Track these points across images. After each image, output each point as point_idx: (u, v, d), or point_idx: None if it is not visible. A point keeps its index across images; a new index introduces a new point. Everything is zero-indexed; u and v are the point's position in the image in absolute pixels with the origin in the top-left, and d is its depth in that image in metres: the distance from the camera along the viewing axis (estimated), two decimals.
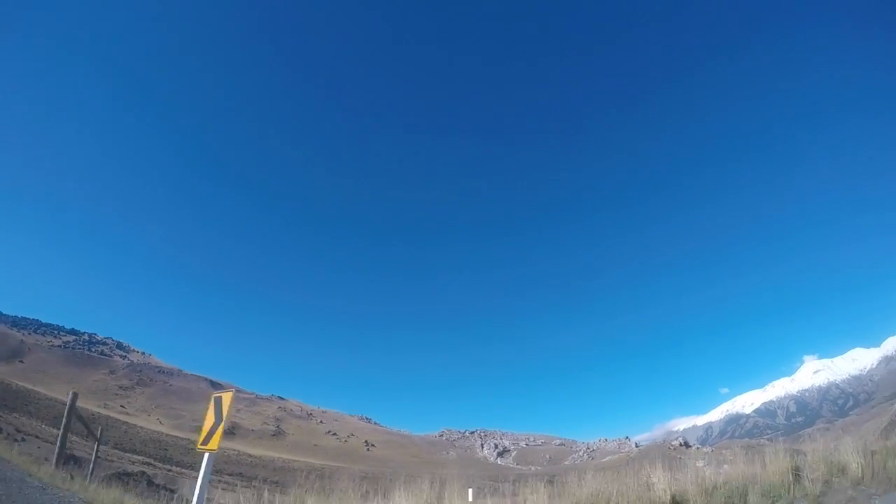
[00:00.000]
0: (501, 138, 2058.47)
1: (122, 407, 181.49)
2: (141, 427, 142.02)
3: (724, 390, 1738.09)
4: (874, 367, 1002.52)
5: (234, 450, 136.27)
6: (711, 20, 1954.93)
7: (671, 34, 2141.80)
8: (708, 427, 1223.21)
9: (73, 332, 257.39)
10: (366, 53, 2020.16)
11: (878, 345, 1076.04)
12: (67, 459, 21.01)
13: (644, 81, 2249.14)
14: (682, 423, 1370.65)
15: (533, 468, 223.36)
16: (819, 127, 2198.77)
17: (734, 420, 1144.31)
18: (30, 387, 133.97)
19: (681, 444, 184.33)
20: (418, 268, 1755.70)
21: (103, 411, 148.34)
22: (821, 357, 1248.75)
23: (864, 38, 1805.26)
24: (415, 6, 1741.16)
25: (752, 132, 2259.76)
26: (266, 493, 13.38)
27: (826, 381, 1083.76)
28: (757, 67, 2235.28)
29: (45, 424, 77.05)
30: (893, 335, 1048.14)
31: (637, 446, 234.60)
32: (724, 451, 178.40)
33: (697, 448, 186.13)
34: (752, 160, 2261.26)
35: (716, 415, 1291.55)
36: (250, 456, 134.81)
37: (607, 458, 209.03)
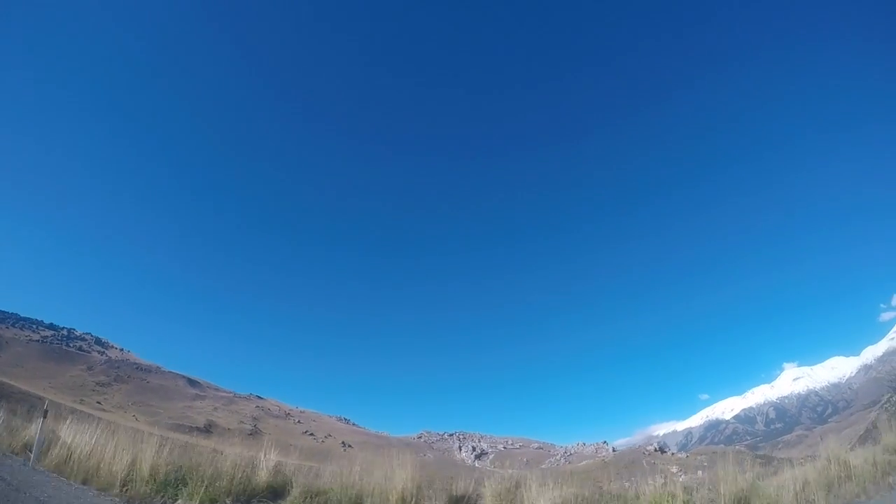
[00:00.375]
0: (484, 148, 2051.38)
1: (99, 403, 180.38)
2: (116, 424, 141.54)
3: (705, 396, 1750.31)
4: (853, 375, 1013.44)
5: (209, 447, 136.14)
6: (711, 24, 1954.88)
7: (673, 38, 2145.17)
8: (688, 433, 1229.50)
9: (51, 326, 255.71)
10: (367, 59, 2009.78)
11: (857, 354, 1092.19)
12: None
13: (644, 87, 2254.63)
14: (662, 429, 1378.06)
15: (511, 471, 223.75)
16: (796, 138, 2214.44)
17: (714, 426, 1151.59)
18: (5, 380, 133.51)
19: (655, 450, 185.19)
20: (400, 273, 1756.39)
21: (79, 407, 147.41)
22: (800, 365, 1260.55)
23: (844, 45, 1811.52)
24: (415, 7, 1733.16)
25: (732, 143, 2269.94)
26: None
27: (805, 388, 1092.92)
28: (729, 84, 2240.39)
29: (19, 419, 76.80)
30: (872, 344, 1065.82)
31: (614, 451, 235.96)
32: (698, 457, 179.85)
33: (672, 454, 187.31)
34: (730, 171, 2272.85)
35: (696, 420, 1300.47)
36: (224, 454, 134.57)
37: (584, 463, 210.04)
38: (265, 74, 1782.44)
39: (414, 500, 14.14)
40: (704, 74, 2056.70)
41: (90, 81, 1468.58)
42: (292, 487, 14.65)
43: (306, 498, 14.12)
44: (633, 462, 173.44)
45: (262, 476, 14.90)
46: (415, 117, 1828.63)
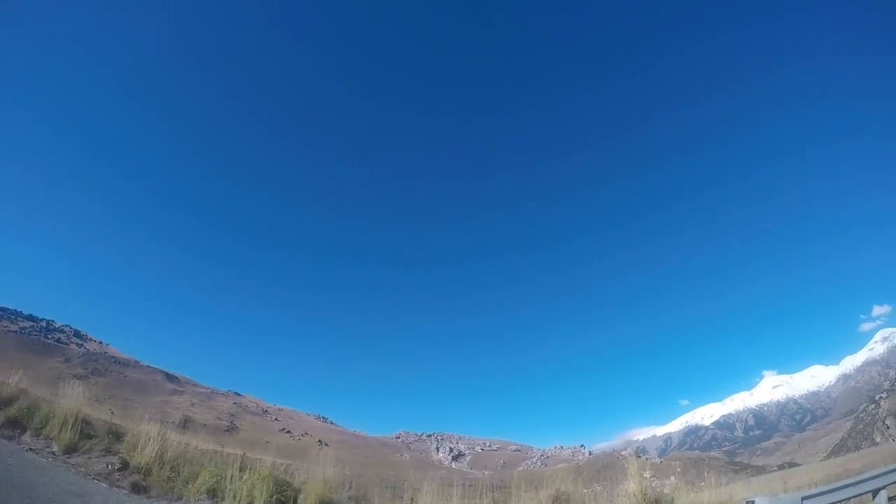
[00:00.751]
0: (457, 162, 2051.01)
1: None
2: (92, 417, 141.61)
3: (685, 402, 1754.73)
4: (832, 384, 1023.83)
5: (184, 443, 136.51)
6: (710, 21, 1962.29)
7: (676, 46, 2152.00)
8: (667, 437, 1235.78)
9: (30, 317, 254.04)
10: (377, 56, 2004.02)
11: (836, 363, 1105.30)
12: None
13: (640, 90, 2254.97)
14: (642, 433, 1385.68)
15: (486, 472, 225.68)
16: (779, 151, 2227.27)
17: (693, 431, 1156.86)
18: None
19: (630, 454, 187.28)
20: (385, 276, 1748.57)
21: (54, 399, 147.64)
22: (780, 373, 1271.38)
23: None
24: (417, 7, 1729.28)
25: (714, 156, 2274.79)
26: None
27: (785, 396, 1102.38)
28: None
29: None
30: (852, 354, 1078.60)
31: (591, 454, 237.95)
32: (672, 463, 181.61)
33: (646, 459, 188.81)
34: (713, 183, 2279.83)
35: (675, 426, 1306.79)
36: (199, 450, 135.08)
37: (560, 466, 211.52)
38: (268, 75, 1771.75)
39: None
40: (688, 92, 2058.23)
41: (72, 75, 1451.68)
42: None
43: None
44: (606, 466, 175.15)
45: None
46: (418, 131, 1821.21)
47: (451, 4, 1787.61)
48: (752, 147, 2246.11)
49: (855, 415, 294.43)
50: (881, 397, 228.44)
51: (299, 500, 14.58)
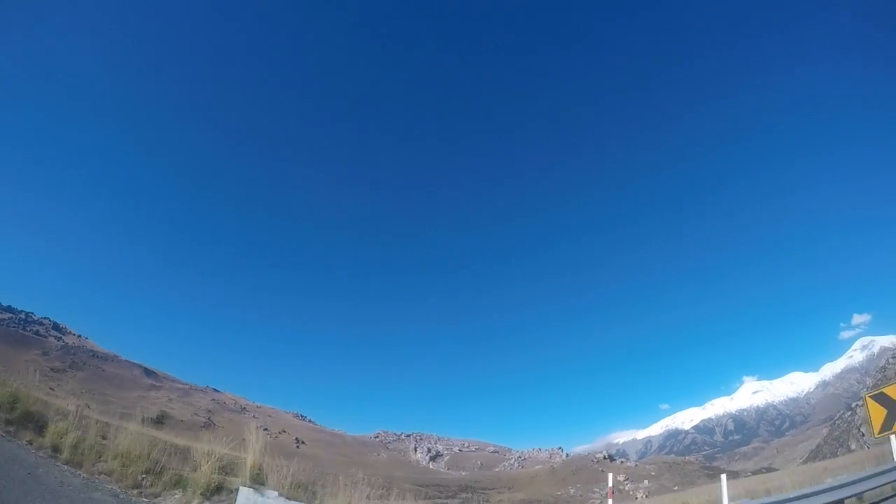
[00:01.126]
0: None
1: (51, 389, 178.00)
2: (67, 411, 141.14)
3: (665, 406, 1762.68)
4: (811, 390, 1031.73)
5: (157, 438, 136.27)
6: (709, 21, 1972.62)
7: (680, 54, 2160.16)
8: (647, 441, 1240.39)
9: (9, 309, 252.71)
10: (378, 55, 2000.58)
11: (816, 370, 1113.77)
12: None
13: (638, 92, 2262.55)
14: (622, 437, 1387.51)
15: (463, 473, 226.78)
16: (761, 160, 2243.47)
17: (673, 435, 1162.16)
18: None
19: (605, 458, 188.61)
20: (364, 269, 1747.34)
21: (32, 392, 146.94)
22: (760, 378, 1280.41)
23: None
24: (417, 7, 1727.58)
25: (699, 161, 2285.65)
26: None
27: (764, 401, 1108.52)
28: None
29: None
30: (831, 361, 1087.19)
31: (567, 456, 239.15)
32: (647, 467, 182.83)
33: (621, 462, 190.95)
34: (693, 189, 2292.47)
35: (656, 429, 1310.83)
36: (174, 445, 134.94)
37: (537, 468, 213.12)
38: (266, 77, 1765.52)
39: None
40: (663, 111, 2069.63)
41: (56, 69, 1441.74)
42: None
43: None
44: (580, 469, 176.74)
45: None
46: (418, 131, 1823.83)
47: (451, 5, 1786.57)
48: (732, 157, 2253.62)
49: (832, 422, 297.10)
50: (857, 405, 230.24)
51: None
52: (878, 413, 16.58)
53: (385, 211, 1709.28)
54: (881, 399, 16.57)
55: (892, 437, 11.64)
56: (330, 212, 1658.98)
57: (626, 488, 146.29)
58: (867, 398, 17.88)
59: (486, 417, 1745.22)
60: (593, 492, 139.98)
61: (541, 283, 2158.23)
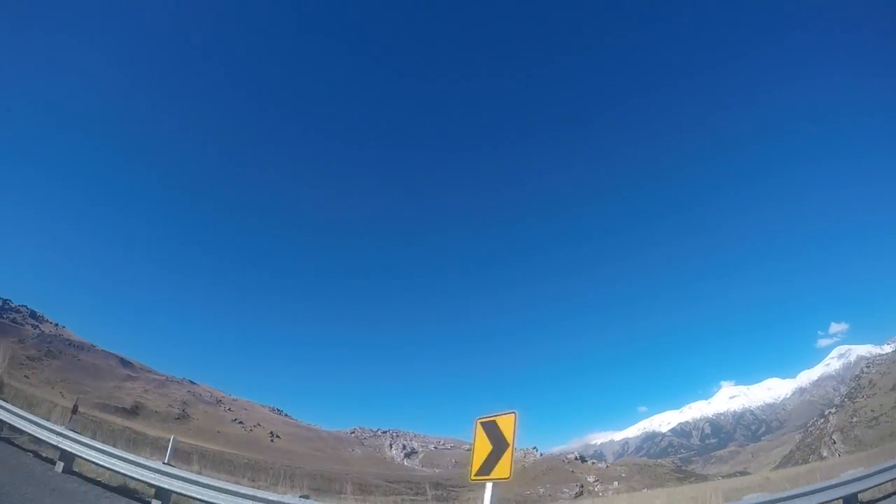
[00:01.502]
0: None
1: (26, 377, 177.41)
2: (41, 399, 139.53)
3: (643, 408, 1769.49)
4: (788, 397, 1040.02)
5: (130, 429, 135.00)
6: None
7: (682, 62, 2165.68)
8: (625, 443, 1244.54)
9: None
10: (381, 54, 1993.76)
11: (793, 377, 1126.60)
12: None
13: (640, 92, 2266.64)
14: (599, 438, 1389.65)
15: (437, 471, 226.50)
16: (743, 168, 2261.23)
17: (650, 438, 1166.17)
18: None
19: (576, 458, 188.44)
20: (341, 269, 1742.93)
21: (4, 380, 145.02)
22: (738, 384, 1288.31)
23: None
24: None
25: (676, 172, 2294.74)
26: None
27: (741, 406, 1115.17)
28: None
29: None
30: (808, 369, 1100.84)
31: (540, 456, 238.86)
32: (618, 468, 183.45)
33: (592, 463, 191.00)
34: (675, 199, 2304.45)
35: (633, 431, 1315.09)
36: (146, 436, 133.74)
37: None
38: (271, 74, 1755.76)
39: None
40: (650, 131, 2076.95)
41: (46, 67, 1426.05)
42: None
43: None
44: (551, 469, 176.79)
45: None
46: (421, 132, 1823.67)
47: (452, 6, 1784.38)
48: (714, 168, 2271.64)
49: (805, 429, 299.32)
50: (830, 413, 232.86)
51: None
52: (482, 445, 7.01)
53: (363, 213, 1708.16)
54: (489, 429, 7.27)
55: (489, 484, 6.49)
56: (310, 212, 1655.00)
57: (596, 489, 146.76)
58: (477, 423, 6.93)
59: (463, 416, 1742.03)
60: (562, 492, 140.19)
61: (523, 287, 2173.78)
